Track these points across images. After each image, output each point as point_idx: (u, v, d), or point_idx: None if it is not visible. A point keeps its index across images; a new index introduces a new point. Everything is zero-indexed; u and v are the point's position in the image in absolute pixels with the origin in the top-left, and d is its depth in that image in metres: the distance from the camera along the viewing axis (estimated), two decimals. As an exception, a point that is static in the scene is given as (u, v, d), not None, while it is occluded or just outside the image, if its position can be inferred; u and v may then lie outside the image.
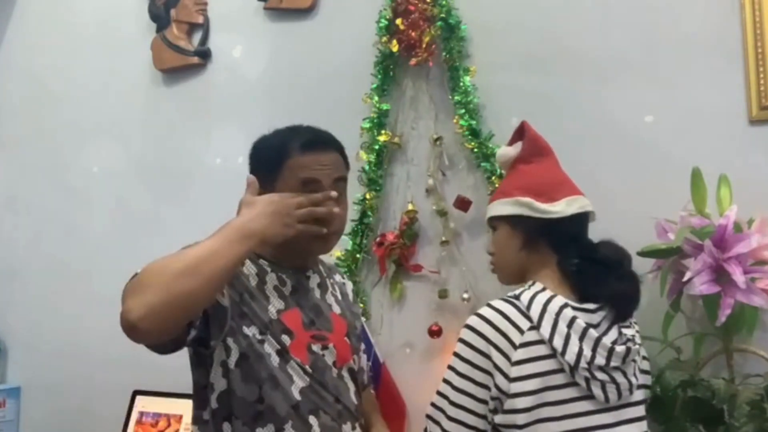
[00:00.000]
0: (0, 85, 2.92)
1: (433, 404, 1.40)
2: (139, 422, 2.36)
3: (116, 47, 2.66)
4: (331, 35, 2.27)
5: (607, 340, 1.34)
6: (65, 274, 2.67)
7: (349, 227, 2.09)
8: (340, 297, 1.58)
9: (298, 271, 1.49)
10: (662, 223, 1.67)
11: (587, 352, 1.32)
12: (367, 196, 2.10)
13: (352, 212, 2.09)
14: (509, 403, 1.31)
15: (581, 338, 1.33)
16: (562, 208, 1.44)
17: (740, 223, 1.57)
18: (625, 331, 1.38)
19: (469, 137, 1.98)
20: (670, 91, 1.82)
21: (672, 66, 1.83)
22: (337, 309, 1.53)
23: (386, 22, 2.08)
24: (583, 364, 1.31)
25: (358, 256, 2.10)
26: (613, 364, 1.33)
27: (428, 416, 1.40)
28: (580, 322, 1.34)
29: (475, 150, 1.98)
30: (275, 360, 1.36)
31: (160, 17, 2.55)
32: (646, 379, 1.46)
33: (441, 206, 2.04)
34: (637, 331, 1.43)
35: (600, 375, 1.33)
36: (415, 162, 2.12)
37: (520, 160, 1.54)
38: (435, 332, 2.00)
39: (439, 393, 1.39)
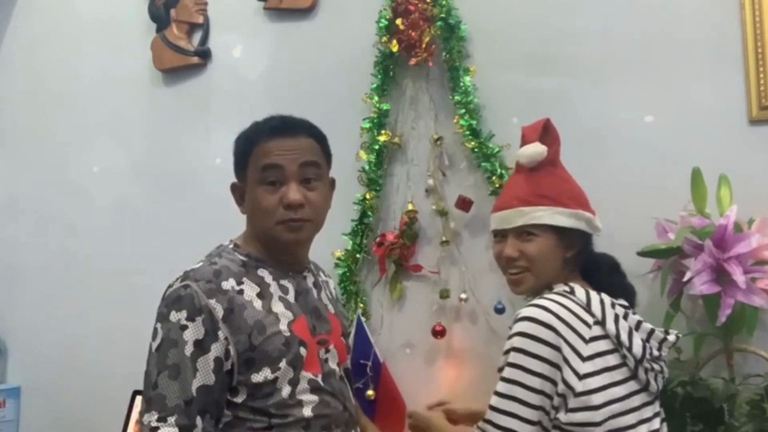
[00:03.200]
0: (0, 85, 2.93)
1: (495, 407, 1.31)
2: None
3: (116, 47, 2.66)
4: (331, 35, 2.26)
5: (657, 332, 1.37)
6: (65, 274, 2.67)
7: (349, 227, 2.10)
8: (330, 296, 1.58)
9: (297, 273, 1.48)
10: (662, 223, 1.67)
11: (646, 344, 1.34)
12: (367, 196, 2.09)
13: (352, 212, 2.10)
14: (579, 401, 1.28)
15: (637, 331, 1.35)
16: (600, 223, 1.48)
17: (740, 223, 1.58)
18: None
19: (469, 137, 1.98)
20: (670, 91, 1.82)
21: (672, 66, 1.83)
22: (332, 309, 1.53)
23: (386, 22, 2.08)
24: (647, 356, 1.33)
25: (358, 256, 2.10)
26: (663, 353, 1.37)
27: (493, 423, 1.32)
28: (633, 316, 1.37)
29: (475, 150, 1.98)
30: (286, 391, 1.34)
31: (160, 17, 2.55)
32: None
33: (441, 206, 2.04)
34: None
35: (656, 366, 1.36)
36: (415, 162, 2.11)
37: (549, 163, 1.49)
38: (439, 332, 1.99)
39: (503, 394, 1.31)
